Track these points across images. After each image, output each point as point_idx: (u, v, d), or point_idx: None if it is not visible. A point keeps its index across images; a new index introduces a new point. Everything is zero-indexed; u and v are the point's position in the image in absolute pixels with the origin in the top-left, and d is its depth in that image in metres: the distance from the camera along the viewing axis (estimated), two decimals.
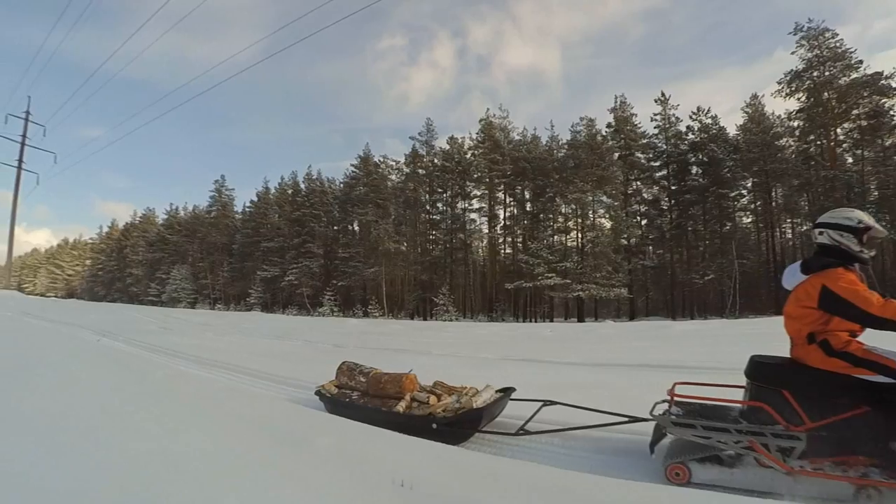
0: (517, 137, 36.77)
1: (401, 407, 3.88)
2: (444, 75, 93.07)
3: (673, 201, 32.15)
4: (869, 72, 26.48)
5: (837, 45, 26.72)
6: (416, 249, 38.12)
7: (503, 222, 36.17)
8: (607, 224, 30.76)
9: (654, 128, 34.06)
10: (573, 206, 30.64)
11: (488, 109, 40.24)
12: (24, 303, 25.72)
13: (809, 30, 27.04)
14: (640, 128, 34.22)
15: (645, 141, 34.18)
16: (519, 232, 34.69)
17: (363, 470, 2.16)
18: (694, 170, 31.21)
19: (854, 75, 26.38)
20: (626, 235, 31.01)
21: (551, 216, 32.32)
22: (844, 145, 28.81)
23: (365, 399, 4.27)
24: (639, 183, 34.36)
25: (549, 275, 28.46)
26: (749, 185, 33.38)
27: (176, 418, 3.00)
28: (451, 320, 32.07)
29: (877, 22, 61.31)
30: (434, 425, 3.49)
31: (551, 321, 30.73)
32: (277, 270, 45.23)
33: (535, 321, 30.64)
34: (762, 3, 65.85)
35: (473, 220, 37.01)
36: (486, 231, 35.96)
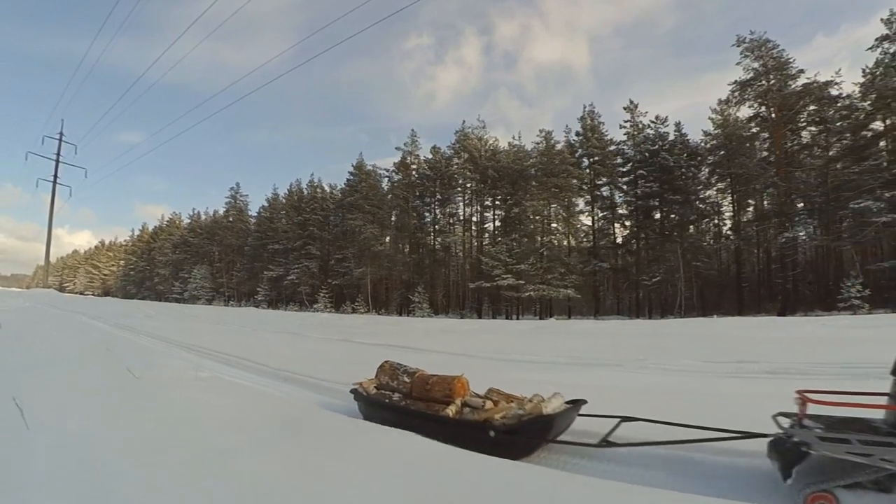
0: (503, 146, 40.46)
1: (449, 411, 3.60)
2: (470, 72, 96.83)
3: (632, 207, 35.01)
4: (815, 80, 28.69)
5: (779, 54, 28.99)
6: (401, 251, 42.50)
7: (474, 227, 40.06)
8: (561, 229, 34.07)
9: (624, 134, 36.97)
10: (530, 214, 34.11)
11: (464, 122, 44.06)
12: (56, 298, 31.99)
13: (752, 41, 29.40)
14: (607, 135, 37.19)
15: (613, 147, 37.11)
16: (486, 236, 38.48)
17: None
18: (651, 176, 33.90)
19: (795, 84, 28.60)
20: (582, 240, 34.17)
21: (517, 222, 35.86)
22: (803, 151, 30.88)
23: (408, 402, 4.07)
24: (606, 189, 37.33)
25: (506, 276, 32.14)
26: (713, 190, 35.89)
27: (74, 347, 7.40)
28: (424, 317, 36.32)
29: None
30: (491, 433, 3.18)
31: (516, 318, 34.39)
32: (282, 270, 50.85)
33: (498, 318, 34.40)
34: None
35: (451, 225, 40.97)
36: (460, 235, 39.93)
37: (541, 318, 33.67)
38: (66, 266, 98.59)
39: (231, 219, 62.27)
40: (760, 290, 32.86)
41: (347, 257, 44.77)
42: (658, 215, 34.36)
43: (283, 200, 56.43)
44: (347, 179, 47.86)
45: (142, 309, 27.76)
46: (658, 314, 33.59)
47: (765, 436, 2.69)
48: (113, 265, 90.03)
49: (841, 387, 2.86)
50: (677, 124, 35.04)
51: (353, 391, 4.38)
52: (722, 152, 33.58)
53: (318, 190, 52.28)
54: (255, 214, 61.59)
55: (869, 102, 27.78)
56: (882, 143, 27.36)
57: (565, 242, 34.09)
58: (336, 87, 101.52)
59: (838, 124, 27.96)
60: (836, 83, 28.17)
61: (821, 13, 56.48)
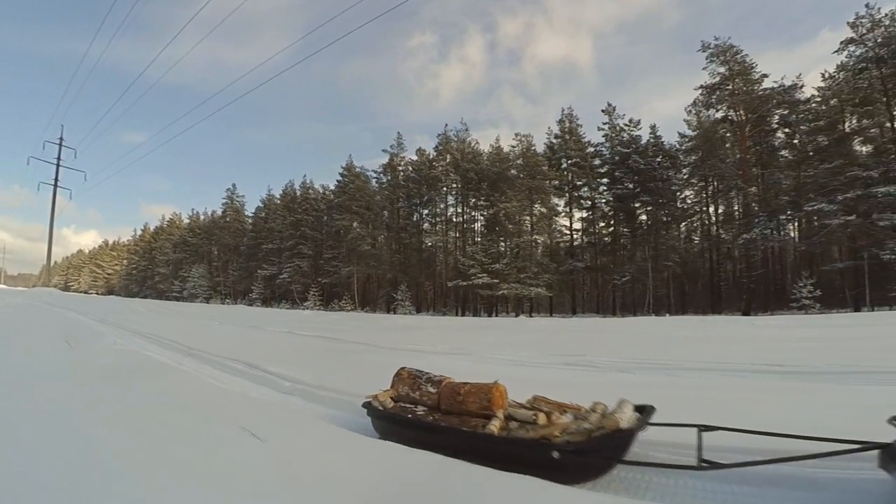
0: (485, 149, 42.23)
1: (493, 427, 3.10)
2: (474, 70, 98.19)
3: (608, 208, 36.62)
4: (782, 83, 30.09)
5: (742, 59, 30.40)
6: (387, 251, 44.48)
7: (457, 228, 41.88)
8: (536, 230, 35.76)
9: (602, 136, 38.53)
10: (502, 216, 35.84)
11: (447, 125, 45.82)
12: (56, 296, 34.44)
13: (717, 46, 30.83)
14: (585, 138, 38.80)
15: (592, 150, 38.69)
16: (468, 236, 40.30)
17: None
18: (625, 178, 35.46)
19: (758, 88, 30.00)
20: (560, 240, 35.85)
21: (494, 223, 37.65)
22: (771, 153, 32.25)
23: (435, 416, 3.61)
24: (584, 190, 38.94)
25: (481, 275, 33.93)
26: (691, 192, 37.37)
27: (47, 332, 9.43)
28: (406, 314, 38.25)
29: None
30: (555, 453, 2.72)
31: (494, 316, 36.20)
32: (275, 269, 53.11)
33: (478, 316, 36.22)
34: None
35: (434, 226, 42.85)
36: (443, 235, 41.79)
37: (517, 316, 35.49)
38: (71, 265, 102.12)
39: (228, 219, 64.71)
40: (732, 290, 34.34)
41: (336, 257, 46.85)
42: (631, 216, 35.94)
43: (278, 201, 58.71)
44: (337, 180, 49.98)
45: (134, 306, 29.98)
46: (631, 312, 35.18)
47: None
48: (116, 264, 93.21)
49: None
50: (652, 127, 36.65)
51: (366, 405, 3.82)
52: (698, 154, 35.10)
53: (311, 191, 54.37)
54: (252, 214, 64.13)
55: (830, 105, 29.19)
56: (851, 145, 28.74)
57: (539, 241, 35.68)
58: (339, 87, 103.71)
59: (801, 128, 29.36)
60: (800, 87, 29.62)
61: (825, 8, 56.89)
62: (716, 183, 35.47)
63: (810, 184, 27.18)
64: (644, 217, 35.42)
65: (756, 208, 29.44)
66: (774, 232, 28.81)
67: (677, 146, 35.82)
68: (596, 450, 2.77)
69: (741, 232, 29.30)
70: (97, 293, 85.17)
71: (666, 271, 34.99)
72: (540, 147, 39.48)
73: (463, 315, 37.47)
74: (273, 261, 54.00)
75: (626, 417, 2.86)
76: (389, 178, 45.35)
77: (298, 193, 55.94)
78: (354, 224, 43.64)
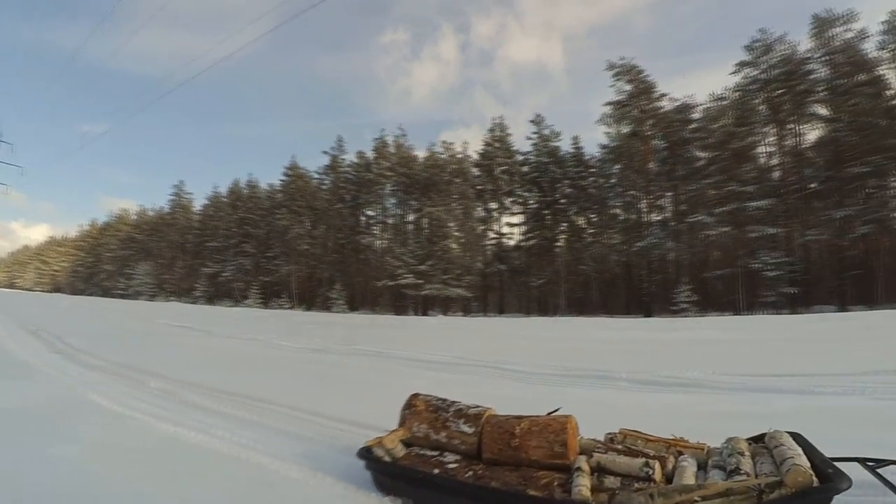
0: (420, 154, 44.60)
1: (583, 489, 2.25)
2: (447, 69, 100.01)
3: (529, 214, 39.53)
4: (683, 102, 33.42)
5: (645, 79, 33.63)
6: (326, 250, 46.46)
7: (392, 230, 44.23)
8: (462, 233, 38.40)
9: (531, 146, 41.39)
10: (429, 219, 38.41)
11: (383, 129, 48.09)
12: None
13: (622, 66, 33.99)
14: (513, 146, 41.65)
15: (521, 157, 41.53)
16: (401, 238, 42.68)
17: None
18: (545, 186, 38.37)
19: (658, 106, 33.25)
20: (486, 243, 38.55)
21: (423, 226, 40.17)
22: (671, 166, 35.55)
23: (476, 470, 2.66)
24: (514, 196, 41.77)
25: (407, 275, 36.34)
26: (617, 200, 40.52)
27: None
28: (340, 312, 40.39)
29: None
30: None
31: (423, 315, 38.67)
32: (219, 267, 54.48)
33: (403, 315, 38.62)
34: None
35: (370, 226, 45.10)
36: (378, 236, 44.11)
37: (444, 315, 38.08)
38: (17, 262, 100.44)
39: (175, 216, 65.55)
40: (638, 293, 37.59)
41: (278, 255, 48.63)
42: (551, 222, 38.90)
43: (225, 199, 59.96)
44: (280, 179, 51.68)
45: (56, 303, 31.42)
46: (547, 313, 38.09)
47: None
48: (64, 261, 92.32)
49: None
50: (575, 139, 39.72)
51: (365, 455, 2.83)
52: (618, 165, 38.24)
53: (256, 189, 55.91)
54: (200, 212, 65.08)
55: (723, 124, 32.62)
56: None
57: (461, 244, 38.32)
58: (311, 81, 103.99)
59: (694, 144, 32.68)
60: (694, 106, 32.96)
61: (793, 17, 60.83)
62: (633, 193, 38.69)
63: (696, 197, 30.44)
64: (564, 223, 38.34)
65: (648, 218, 32.65)
66: (667, 241, 31.97)
67: (596, 157, 38.99)
68: None
69: (635, 240, 32.46)
70: (41, 290, 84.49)
71: (582, 275, 38.03)
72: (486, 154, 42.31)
73: (397, 314, 39.85)
74: (217, 259, 55.35)
75: (804, 463, 2.06)
76: (330, 178, 47.41)
77: (244, 191, 57.38)
78: (295, 224, 45.50)
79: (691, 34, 76.92)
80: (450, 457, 2.83)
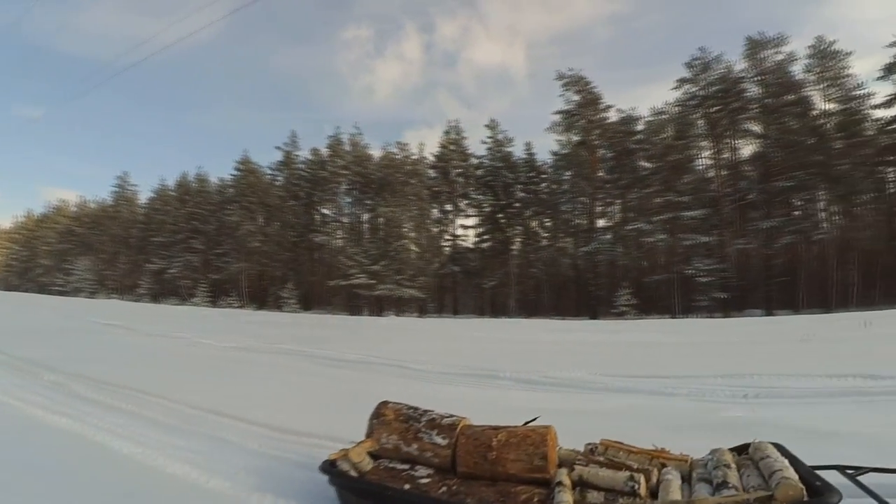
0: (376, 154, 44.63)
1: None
2: (411, 68, 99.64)
3: (483, 217, 40.37)
4: (629, 114, 34.98)
5: (591, 90, 35.00)
6: (278, 248, 45.75)
7: (346, 229, 44.12)
8: (415, 235, 38.83)
9: (486, 150, 42.16)
10: (383, 219, 38.66)
11: (338, 127, 47.86)
12: None
13: (571, 76, 35.27)
14: (468, 149, 42.36)
15: (476, 161, 42.27)
16: (355, 238, 42.66)
17: None
18: (499, 190, 39.25)
19: (605, 117, 34.68)
20: (440, 245, 39.06)
21: (377, 226, 40.31)
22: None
23: (451, 485, 2.57)
24: (470, 198, 42.45)
25: (360, 275, 36.36)
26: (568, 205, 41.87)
27: None
28: (291, 312, 39.92)
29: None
30: None
31: (371, 315, 38.79)
32: (165, 263, 52.65)
33: (357, 315, 38.61)
34: (721, 15, 73.24)
35: (325, 225, 44.76)
36: (331, 235, 43.84)
37: (397, 316, 38.32)
38: None
39: (119, 209, 62.84)
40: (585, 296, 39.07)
41: (227, 252, 47.51)
42: (505, 225, 39.85)
43: (172, 192, 58.02)
44: (231, 174, 50.48)
45: None
46: (499, 315, 39.01)
47: None
48: None
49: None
50: (527, 144, 40.86)
51: (328, 469, 2.71)
52: (569, 172, 39.55)
53: (205, 182, 54.45)
54: (146, 205, 62.62)
55: (663, 137, 34.37)
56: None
57: (415, 244, 38.70)
58: (268, 72, 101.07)
59: (637, 154, 34.28)
60: (638, 118, 34.60)
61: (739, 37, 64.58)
62: (582, 199, 40.11)
63: (638, 205, 31.98)
64: (517, 226, 39.38)
65: (595, 224, 34.08)
66: (611, 246, 33.38)
67: (549, 163, 40.21)
68: None
69: (583, 245, 33.77)
70: None
71: (534, 278, 39.14)
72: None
73: (352, 314, 39.77)
74: (163, 255, 53.48)
75: (793, 476, 2.05)
76: (284, 174, 46.76)
77: (193, 185, 55.72)
78: (246, 220, 44.61)
79: (648, 47, 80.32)
80: (422, 470, 2.72)
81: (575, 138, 36.22)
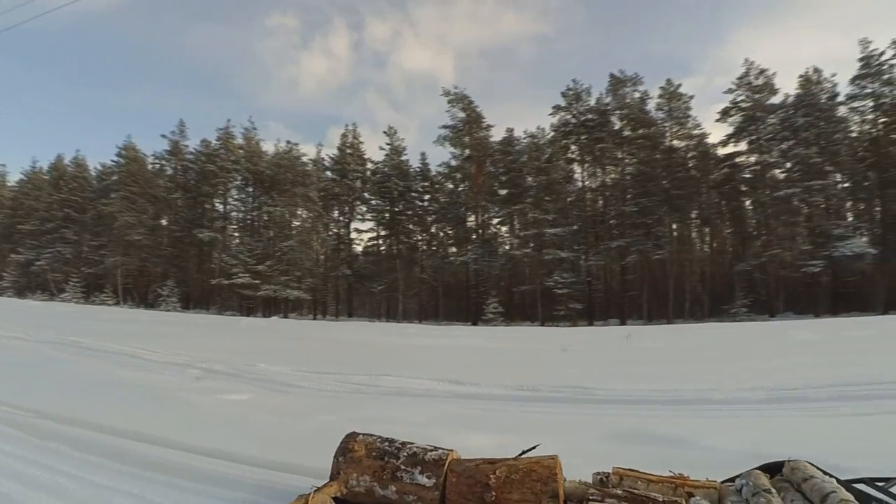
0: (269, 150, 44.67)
1: None
2: (338, 65, 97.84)
3: (377, 221, 42.27)
4: (510, 134, 38.23)
5: (474, 109, 37.94)
6: (159, 242, 44.51)
7: (235, 225, 44.09)
8: (302, 236, 39.85)
9: (385, 155, 43.80)
10: (269, 218, 39.31)
11: (229, 120, 47.23)
12: None
13: (455, 94, 37.98)
14: (365, 154, 43.84)
15: (373, 167, 43.82)
16: (242, 235, 42.80)
17: None
18: (394, 196, 41.21)
19: (486, 135, 37.73)
20: (333, 247, 40.29)
21: (264, 225, 40.75)
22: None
23: None
24: (360, 203, 43.99)
25: (244, 275, 36.70)
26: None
27: None
28: (170, 311, 39.24)
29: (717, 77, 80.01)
30: None
31: (249, 316, 39.28)
32: (33, 254, 49.00)
33: (243, 315, 38.89)
34: (633, 46, 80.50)
35: (213, 221, 44.28)
36: (219, 232, 43.52)
37: (280, 318, 39.08)
38: None
39: None
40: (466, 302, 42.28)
41: (104, 244, 45.35)
42: (398, 231, 41.99)
43: (45, 176, 53.88)
44: (112, 160, 47.98)
45: None
46: (388, 318, 41.14)
47: None
48: None
49: None
50: (422, 154, 43.19)
51: None
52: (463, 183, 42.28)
53: (82, 168, 51.28)
54: (14, 188, 57.49)
55: (535, 158, 37.97)
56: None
57: (304, 245, 39.70)
58: (181, 51, 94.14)
59: (515, 173, 37.75)
60: (516, 139, 38.04)
61: (667, 60, 71.22)
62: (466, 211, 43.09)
63: (511, 220, 35.35)
64: (411, 233, 41.68)
65: (475, 235, 37.20)
66: (485, 257, 36.63)
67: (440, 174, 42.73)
68: None
69: (463, 254, 36.74)
70: None
71: (422, 283, 41.58)
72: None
73: (242, 315, 39.82)
74: (32, 245, 49.71)
75: (850, 497, 1.83)
76: (171, 164, 45.46)
77: (70, 169, 52.17)
78: (125, 211, 42.89)
79: (569, 68, 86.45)
80: None
81: (459, 152, 38.99)
